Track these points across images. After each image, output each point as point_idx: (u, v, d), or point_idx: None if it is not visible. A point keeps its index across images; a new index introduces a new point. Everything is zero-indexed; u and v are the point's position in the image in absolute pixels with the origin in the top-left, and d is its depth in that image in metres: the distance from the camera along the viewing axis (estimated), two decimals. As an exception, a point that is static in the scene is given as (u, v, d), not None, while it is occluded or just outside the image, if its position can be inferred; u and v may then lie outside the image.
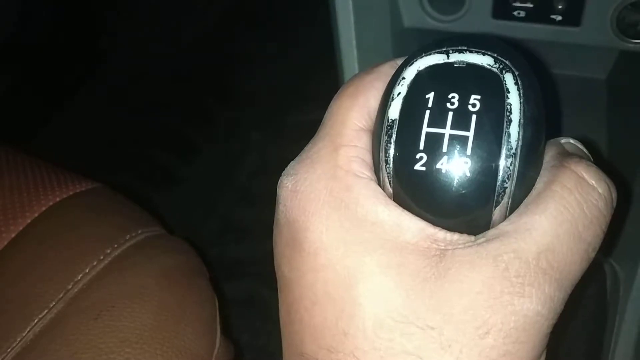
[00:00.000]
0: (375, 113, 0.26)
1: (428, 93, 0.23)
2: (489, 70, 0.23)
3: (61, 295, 0.49)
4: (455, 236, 0.23)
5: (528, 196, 0.23)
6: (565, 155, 0.25)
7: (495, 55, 0.23)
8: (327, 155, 0.25)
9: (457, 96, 0.22)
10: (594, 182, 0.23)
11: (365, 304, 0.22)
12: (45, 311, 0.48)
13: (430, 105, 0.23)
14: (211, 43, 1.23)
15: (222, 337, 0.54)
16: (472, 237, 0.23)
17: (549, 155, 0.25)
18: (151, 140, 1.14)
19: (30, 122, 1.19)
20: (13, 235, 0.53)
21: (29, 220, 0.53)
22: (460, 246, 0.22)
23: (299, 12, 1.06)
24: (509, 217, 0.23)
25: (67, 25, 1.29)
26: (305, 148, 0.26)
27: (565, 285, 0.22)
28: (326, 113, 0.27)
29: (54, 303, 0.48)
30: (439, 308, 0.21)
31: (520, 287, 0.21)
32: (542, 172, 0.24)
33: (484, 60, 0.23)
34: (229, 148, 1.08)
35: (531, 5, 0.47)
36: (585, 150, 0.28)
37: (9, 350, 0.47)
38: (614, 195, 0.24)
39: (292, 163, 0.26)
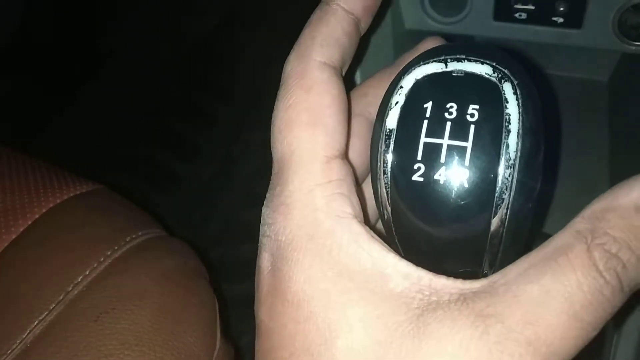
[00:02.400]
0: (336, 133, 0.25)
1: (426, 102, 0.23)
2: (488, 79, 0.23)
3: (61, 297, 0.49)
4: (442, 281, 0.22)
5: (537, 250, 0.22)
6: (604, 224, 0.22)
7: (494, 64, 0.23)
8: (303, 198, 0.24)
9: (455, 106, 0.22)
10: (602, 269, 0.21)
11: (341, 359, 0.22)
12: (45, 313, 0.48)
13: (428, 115, 0.23)
14: (213, 43, 1.22)
15: (222, 339, 0.54)
16: (460, 284, 0.22)
17: (599, 206, 0.22)
18: (152, 141, 1.14)
19: (31, 123, 1.19)
20: (13, 236, 0.53)
21: (29, 222, 0.53)
22: (445, 297, 0.21)
23: (301, 13, 1.06)
24: (506, 270, 0.22)
25: (69, 26, 1.29)
26: (274, 191, 0.25)
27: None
28: (280, 146, 0.25)
29: (53, 305, 0.48)
30: None
31: (497, 355, 0.20)
32: (567, 228, 0.22)
33: (482, 69, 0.23)
34: (230, 149, 1.08)
35: (532, 8, 0.47)
36: None
37: (8, 352, 0.47)
38: (627, 282, 0.21)
39: (266, 210, 0.25)
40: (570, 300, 0.20)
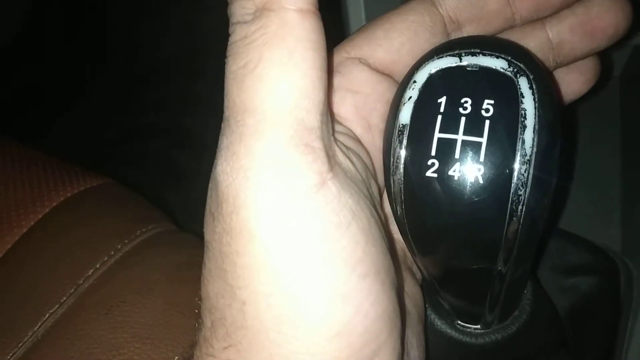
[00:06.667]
0: (382, 44, 0.26)
1: (440, 97, 0.23)
2: (503, 73, 0.22)
3: (72, 291, 0.49)
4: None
5: None
6: None
7: (510, 58, 0.23)
8: None
9: (470, 101, 0.22)
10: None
11: None
12: (57, 306, 0.48)
13: (442, 110, 0.22)
14: (220, 40, 1.22)
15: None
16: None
17: None
18: (161, 136, 1.14)
19: (41, 119, 1.19)
20: (24, 230, 0.53)
21: (40, 216, 0.53)
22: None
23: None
24: None
25: (77, 22, 1.29)
26: None
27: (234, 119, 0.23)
28: None
29: (65, 298, 0.49)
30: None
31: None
32: None
33: (497, 63, 0.23)
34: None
35: None
36: None
37: (20, 345, 0.47)
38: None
39: None
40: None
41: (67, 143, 1.12)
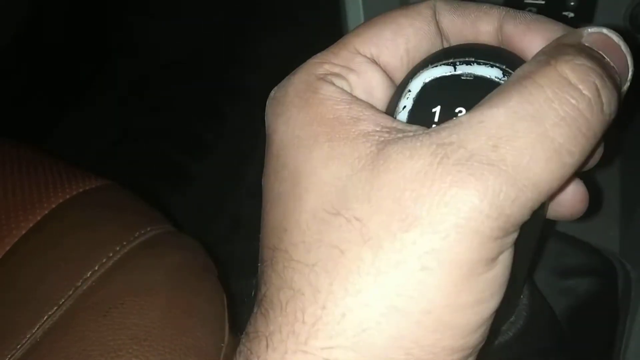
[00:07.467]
0: (388, 47, 0.25)
1: (434, 107, 0.23)
2: (497, 83, 0.22)
3: (70, 292, 0.49)
4: (411, 127, 0.21)
5: (500, 86, 0.21)
6: (562, 49, 0.21)
7: (504, 67, 0.23)
8: (309, 67, 0.24)
9: (464, 110, 0.22)
10: (576, 81, 0.20)
11: (304, 199, 0.21)
12: (55, 308, 0.48)
13: (436, 119, 0.22)
14: (221, 40, 1.22)
15: (230, 335, 0.54)
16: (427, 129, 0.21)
17: (550, 45, 0.22)
18: (161, 137, 1.14)
19: (41, 119, 1.19)
20: (23, 232, 0.53)
21: (38, 218, 0.53)
22: (410, 133, 0.21)
23: (309, 11, 1.05)
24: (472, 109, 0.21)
25: (78, 22, 1.29)
26: None
27: (521, 184, 0.19)
28: None
29: (63, 300, 0.49)
30: (368, 199, 0.20)
31: (456, 176, 0.19)
32: (523, 65, 0.21)
33: (492, 72, 0.23)
34: (239, 145, 1.08)
35: (543, 2, 0.47)
36: (617, 41, 0.23)
37: (18, 347, 0.47)
38: (607, 99, 0.20)
39: None
40: (538, 118, 0.19)
41: (67, 143, 1.12)
